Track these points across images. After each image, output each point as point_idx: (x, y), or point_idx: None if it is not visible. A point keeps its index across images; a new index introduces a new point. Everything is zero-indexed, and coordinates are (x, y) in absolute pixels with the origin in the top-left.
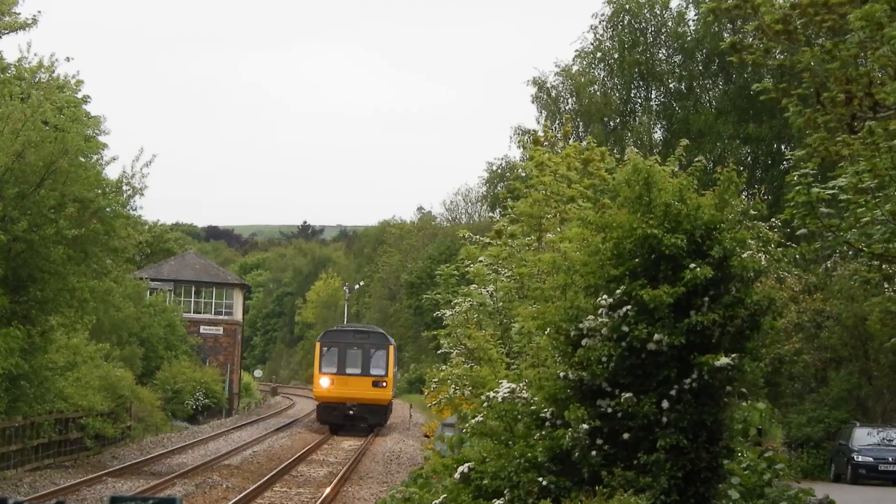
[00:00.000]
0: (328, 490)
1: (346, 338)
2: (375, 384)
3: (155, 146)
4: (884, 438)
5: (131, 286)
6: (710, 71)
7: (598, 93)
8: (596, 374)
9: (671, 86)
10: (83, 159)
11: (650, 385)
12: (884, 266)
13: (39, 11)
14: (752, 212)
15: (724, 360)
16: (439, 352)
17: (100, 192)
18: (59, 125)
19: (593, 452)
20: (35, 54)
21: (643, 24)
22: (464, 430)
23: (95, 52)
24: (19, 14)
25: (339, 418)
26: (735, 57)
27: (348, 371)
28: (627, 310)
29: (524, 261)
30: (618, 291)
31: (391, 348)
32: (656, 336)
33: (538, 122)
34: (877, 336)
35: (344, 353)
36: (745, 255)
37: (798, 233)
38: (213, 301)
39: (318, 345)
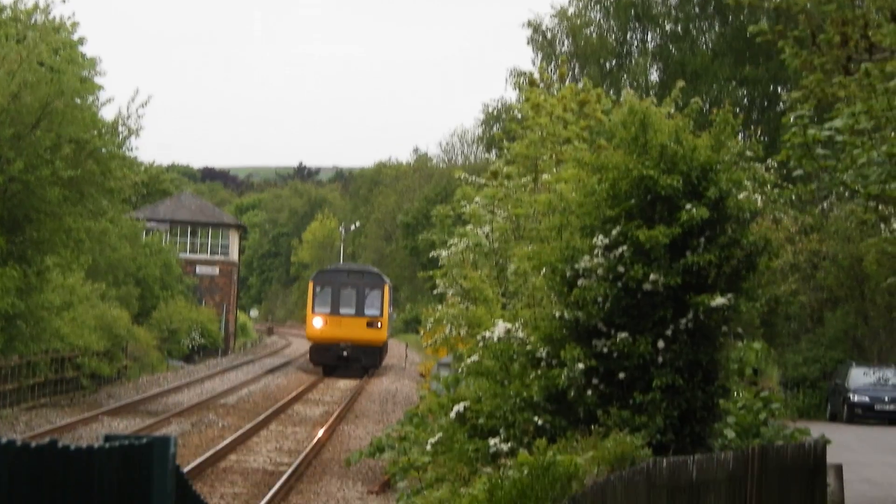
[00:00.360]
0: (324, 429)
1: (340, 277)
2: (370, 325)
3: (151, 88)
4: (879, 378)
5: (127, 227)
6: (707, 13)
7: (593, 34)
8: (591, 315)
9: (667, 27)
10: (79, 100)
11: (646, 325)
12: (880, 207)
13: None
14: (748, 153)
15: (719, 301)
16: (435, 292)
17: (96, 132)
18: (54, 66)
19: (589, 392)
20: None
21: None
22: (459, 370)
23: None
24: None
25: (333, 359)
26: None
27: (342, 311)
28: (623, 250)
29: (520, 202)
30: (614, 232)
31: (386, 288)
32: (652, 276)
33: (534, 64)
34: (873, 276)
35: (338, 293)
36: (741, 196)
37: (794, 174)
38: (209, 241)
39: (311, 284)
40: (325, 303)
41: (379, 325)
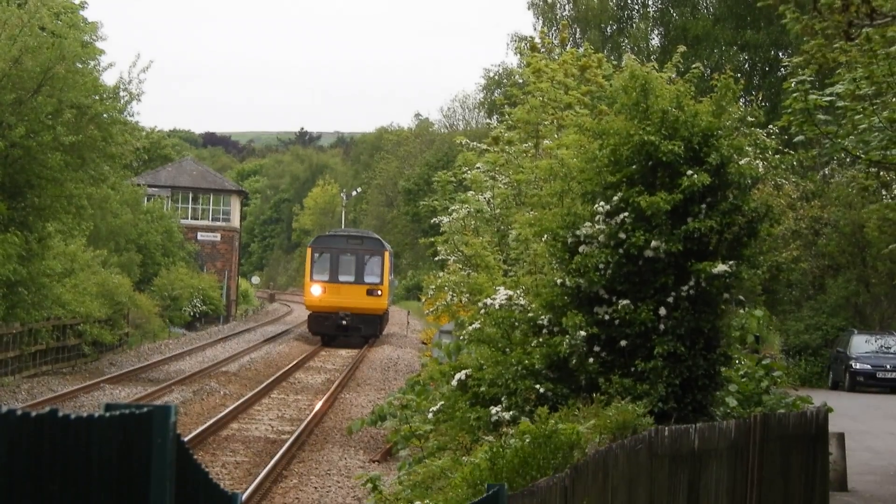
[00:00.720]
0: (325, 396)
1: (338, 243)
2: (370, 293)
3: (152, 53)
4: (882, 346)
5: (128, 192)
6: None
7: None
8: (593, 281)
9: None
10: (80, 65)
11: (647, 292)
12: (881, 173)
13: None
14: (749, 118)
15: (721, 267)
16: (436, 259)
17: (97, 98)
18: (56, 31)
19: (590, 360)
20: None
21: None
22: (461, 338)
23: None
24: None
25: (332, 329)
26: None
27: (341, 279)
28: (625, 216)
29: (521, 167)
30: (615, 198)
31: (387, 254)
32: (653, 243)
33: (535, 29)
34: (874, 243)
35: (336, 260)
36: (742, 162)
37: (795, 139)
38: (211, 207)
39: (308, 250)
40: (324, 270)
41: (379, 293)
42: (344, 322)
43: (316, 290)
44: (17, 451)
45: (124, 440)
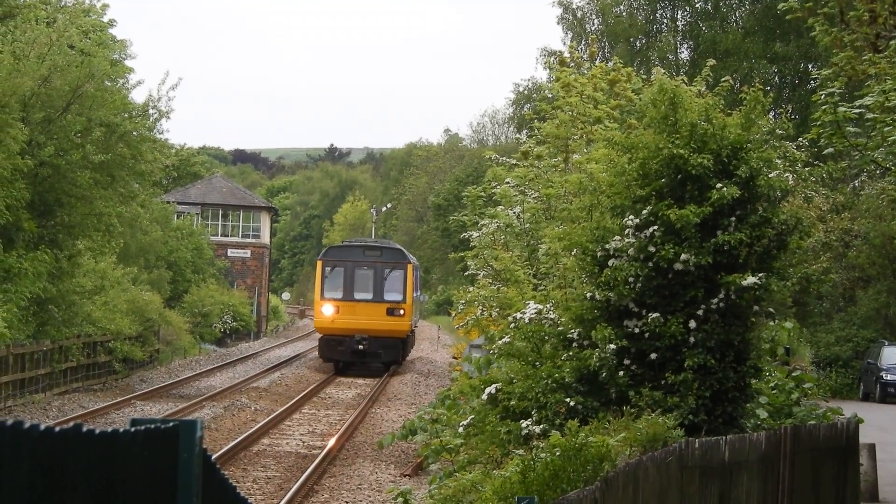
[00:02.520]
0: (356, 411)
1: (354, 255)
2: (391, 312)
3: (181, 71)
4: None
5: (158, 210)
6: None
7: (623, 13)
8: (623, 295)
9: (697, 5)
10: (109, 83)
11: (677, 305)
12: None
13: None
14: (778, 131)
15: (751, 280)
16: (466, 273)
17: (126, 116)
18: (84, 49)
19: (620, 373)
20: None
21: None
22: (491, 352)
23: None
24: None
25: (347, 355)
26: None
27: (357, 296)
28: (654, 230)
29: (551, 182)
30: (644, 212)
31: (410, 267)
32: (683, 256)
33: (564, 44)
34: None
35: (352, 274)
36: (771, 175)
37: (825, 152)
38: (241, 224)
39: (319, 264)
40: (337, 286)
41: (402, 312)
42: (360, 347)
43: (327, 310)
44: (39, 467)
45: (150, 455)
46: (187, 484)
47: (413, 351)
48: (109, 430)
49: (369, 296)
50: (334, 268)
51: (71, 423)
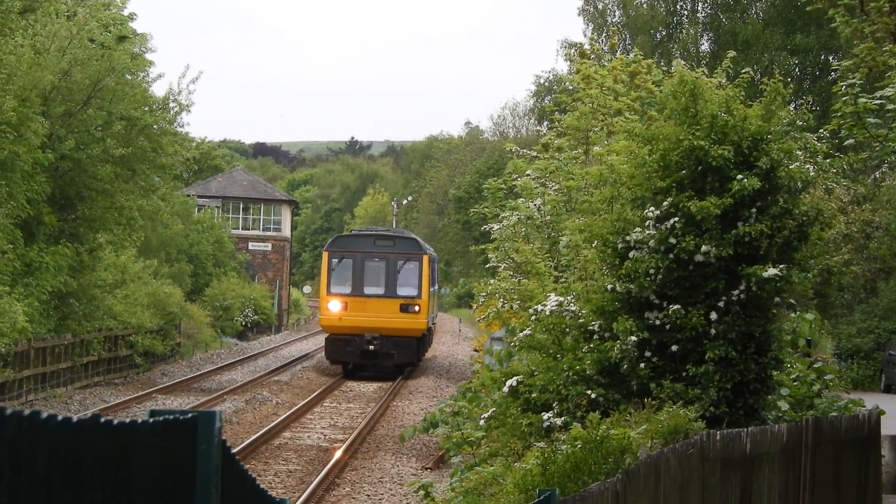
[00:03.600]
0: (378, 405)
1: (363, 245)
2: (405, 308)
3: (202, 64)
4: None
5: (179, 203)
6: None
7: (644, 5)
8: (643, 287)
9: None
10: (130, 77)
11: (698, 297)
12: None
13: None
14: (799, 123)
15: (772, 271)
16: (487, 266)
17: (147, 109)
18: (105, 43)
19: (641, 365)
20: None
21: None
22: (512, 344)
23: None
24: None
25: (355, 356)
26: None
27: (367, 291)
28: (675, 221)
29: (571, 174)
30: (665, 203)
31: (426, 259)
32: (704, 247)
33: (585, 36)
34: None
35: (361, 267)
36: (792, 166)
37: (845, 143)
38: (262, 217)
39: (325, 255)
40: (345, 280)
41: (416, 308)
42: (371, 347)
43: (334, 307)
44: (57, 458)
45: (169, 447)
46: (206, 475)
47: (434, 344)
48: (128, 420)
49: (381, 290)
50: (342, 259)
51: (89, 414)
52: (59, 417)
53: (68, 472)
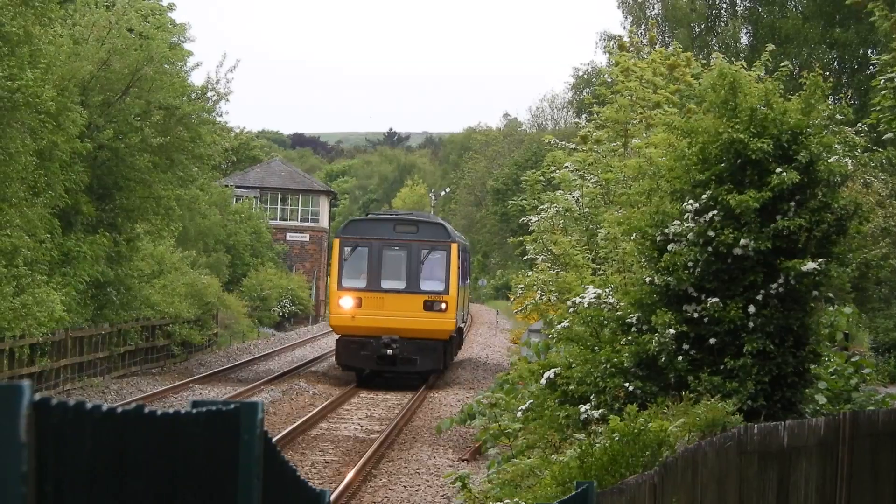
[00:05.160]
0: (415, 395)
1: (381, 231)
2: (429, 306)
3: (240, 54)
4: None
5: (217, 193)
6: None
7: None
8: (682, 279)
9: None
10: (168, 66)
11: (736, 290)
12: None
13: None
14: (838, 116)
15: (810, 265)
16: (525, 258)
17: (185, 98)
18: (143, 32)
19: (679, 357)
20: None
21: None
22: (550, 336)
23: None
24: None
25: (371, 361)
26: None
27: (385, 285)
28: (713, 214)
29: (610, 166)
30: (703, 196)
31: (455, 248)
32: (742, 241)
33: (623, 28)
34: None
35: (378, 256)
36: (831, 160)
37: (884, 137)
38: (300, 208)
39: (336, 242)
40: (359, 272)
41: (443, 306)
42: (389, 352)
43: (346, 303)
44: (101, 448)
45: (211, 437)
46: (248, 465)
47: (470, 336)
48: (171, 411)
49: (401, 284)
50: (356, 248)
51: (133, 405)
52: (104, 407)
53: (112, 463)
